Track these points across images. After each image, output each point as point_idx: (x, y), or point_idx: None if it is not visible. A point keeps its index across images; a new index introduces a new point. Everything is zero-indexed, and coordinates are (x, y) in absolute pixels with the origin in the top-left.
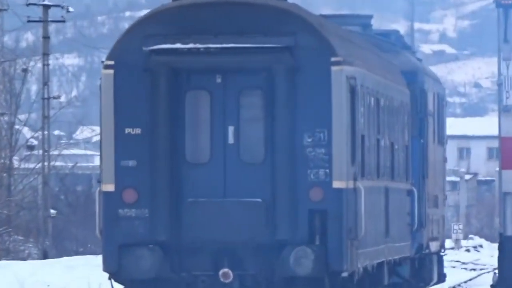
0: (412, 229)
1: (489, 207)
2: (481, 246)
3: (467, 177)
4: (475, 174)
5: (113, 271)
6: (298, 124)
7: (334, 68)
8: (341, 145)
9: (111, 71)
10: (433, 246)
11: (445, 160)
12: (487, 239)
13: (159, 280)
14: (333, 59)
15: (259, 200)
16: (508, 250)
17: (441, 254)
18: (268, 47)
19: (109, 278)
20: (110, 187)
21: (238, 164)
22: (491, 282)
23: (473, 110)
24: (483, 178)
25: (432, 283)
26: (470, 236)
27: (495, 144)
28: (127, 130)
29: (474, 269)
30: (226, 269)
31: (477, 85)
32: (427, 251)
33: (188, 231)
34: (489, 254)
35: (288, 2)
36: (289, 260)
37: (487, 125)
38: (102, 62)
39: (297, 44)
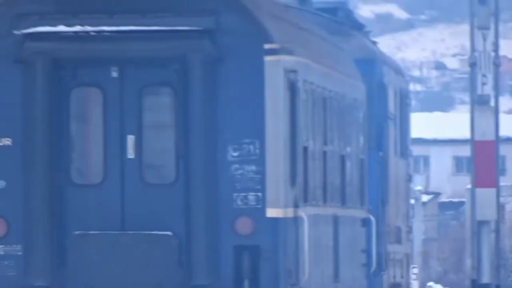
0: (368, 271)
1: (456, 242)
2: None
3: (425, 198)
4: (437, 194)
5: None
6: (221, 133)
7: (268, 58)
8: (277, 160)
9: None
10: None
11: (409, 178)
12: None
13: None
14: (267, 46)
15: (169, 233)
16: None
17: None
18: (181, 31)
19: None
20: None
21: (141, 186)
22: None
23: (433, 102)
24: (447, 200)
25: None
26: (429, 284)
27: (465, 151)
28: None
29: None
30: None
31: (439, 66)
32: None
33: (75, 274)
34: None
35: None
36: None
37: (453, 124)
38: None
39: (219, 27)
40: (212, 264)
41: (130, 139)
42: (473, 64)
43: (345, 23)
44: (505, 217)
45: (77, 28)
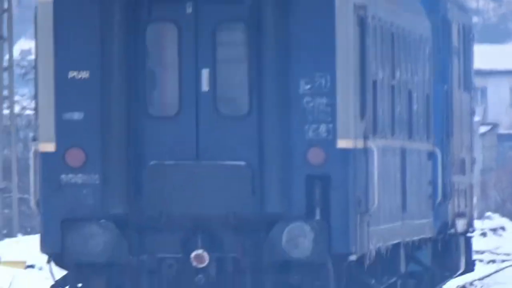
0: (434, 202)
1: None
2: (502, 228)
3: (483, 129)
4: (495, 125)
5: (55, 252)
6: (293, 66)
7: None
8: (348, 93)
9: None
10: (460, 224)
11: (472, 112)
12: (511, 219)
13: (113, 265)
14: None
15: (242, 163)
16: None
17: (469, 235)
18: None
19: (48, 262)
20: (49, 147)
21: (215, 117)
22: None
23: (490, 33)
24: (505, 132)
25: (458, 273)
26: (488, 214)
27: None
28: (71, 74)
29: (493, 261)
30: (200, 251)
31: None
32: (452, 231)
33: (151, 202)
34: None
35: None
36: (282, 239)
37: (511, 55)
38: None
39: None
40: (285, 193)
41: (205, 73)
42: None
43: None
44: None
45: None
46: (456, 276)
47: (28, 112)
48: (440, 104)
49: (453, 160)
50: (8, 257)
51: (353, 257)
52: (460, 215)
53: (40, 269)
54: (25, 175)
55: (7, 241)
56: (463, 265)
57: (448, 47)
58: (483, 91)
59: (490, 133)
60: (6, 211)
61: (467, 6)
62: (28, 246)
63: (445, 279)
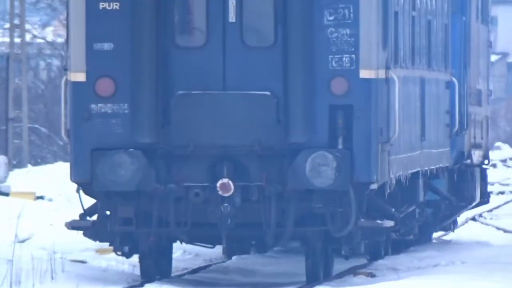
0: (451, 131)
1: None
2: None
3: (493, 58)
4: (505, 55)
5: (84, 180)
6: None
7: None
8: (370, 24)
9: None
10: (476, 155)
11: (489, 44)
12: (482, 162)
13: (141, 193)
14: None
15: (267, 93)
16: None
17: (485, 167)
18: None
19: (77, 190)
20: (80, 76)
21: (241, 48)
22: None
23: None
24: None
25: (474, 204)
26: (497, 144)
27: None
28: (102, 5)
29: (502, 193)
30: (225, 180)
31: None
32: (468, 161)
33: (178, 132)
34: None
35: None
36: (305, 168)
37: None
38: None
39: None
40: (308, 122)
41: (232, 4)
42: None
43: None
44: None
45: None
46: (472, 207)
47: (39, 40)
48: (458, 35)
49: (470, 91)
50: (18, 188)
51: (374, 186)
52: (476, 146)
53: (50, 200)
54: (35, 104)
55: (17, 171)
56: (478, 196)
57: None
58: (493, 20)
59: (499, 62)
60: (16, 141)
61: None
62: (38, 177)
63: (461, 209)
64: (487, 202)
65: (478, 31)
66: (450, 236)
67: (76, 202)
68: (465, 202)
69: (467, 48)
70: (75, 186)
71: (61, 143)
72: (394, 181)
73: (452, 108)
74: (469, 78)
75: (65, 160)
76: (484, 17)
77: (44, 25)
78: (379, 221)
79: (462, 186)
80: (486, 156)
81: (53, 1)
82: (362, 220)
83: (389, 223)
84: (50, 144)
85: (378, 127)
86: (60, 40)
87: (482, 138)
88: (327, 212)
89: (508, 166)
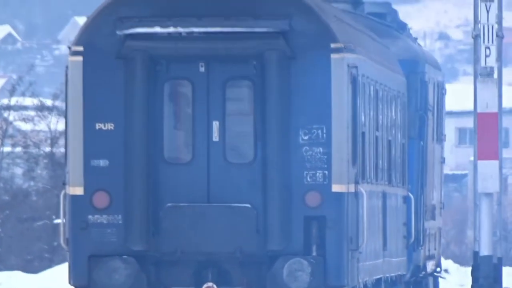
0: (408, 242)
1: (459, 214)
2: (446, 271)
3: None
4: None
5: (82, 284)
6: (293, 119)
7: (334, 56)
8: (341, 143)
9: (80, 58)
10: (429, 265)
11: (443, 160)
12: (455, 261)
13: None
14: (333, 45)
15: (248, 205)
16: (485, 277)
17: (437, 275)
18: (259, 32)
19: None
20: (78, 190)
21: (224, 165)
22: None
23: None
24: (450, 172)
25: None
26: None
27: (469, 123)
28: (98, 126)
29: None
30: (210, 284)
31: (443, 37)
32: (423, 273)
33: (167, 240)
34: (458, 282)
35: None
36: (283, 273)
37: (457, 95)
38: (69, 48)
39: (292, 29)
40: (285, 232)
41: (215, 125)
42: (476, 36)
43: (392, 26)
44: (507, 190)
45: (171, 29)
46: None
47: None
48: (415, 156)
49: (426, 207)
50: None
51: None
52: (430, 257)
53: None
54: None
55: None
56: None
57: (425, 105)
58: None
59: None
60: None
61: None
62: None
63: None
64: None
65: (433, 150)
66: None
67: None
68: None
69: (424, 169)
70: None
71: None
72: (362, 286)
73: (408, 221)
74: (425, 195)
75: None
76: (439, 136)
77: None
78: None
79: None
80: (438, 265)
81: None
82: None
83: None
84: None
85: (349, 236)
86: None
87: (435, 249)
88: None
89: (443, 278)
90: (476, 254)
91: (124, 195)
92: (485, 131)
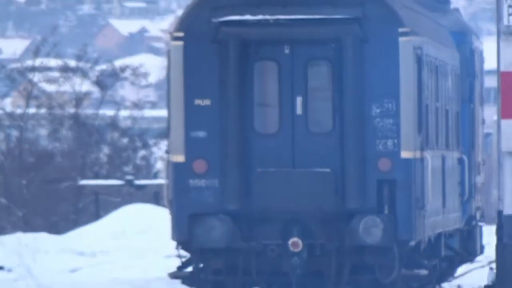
0: (462, 199)
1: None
2: None
3: None
4: None
5: (183, 240)
6: (366, 94)
7: (402, 39)
8: (409, 115)
9: (181, 43)
10: (478, 215)
11: (483, 121)
12: (480, 219)
13: (229, 249)
14: (400, 29)
15: (328, 170)
16: (509, 236)
17: (481, 224)
18: (337, 19)
19: (177, 247)
20: (180, 158)
21: (307, 135)
22: (485, 282)
23: None
24: None
25: (477, 256)
26: None
27: (493, 82)
28: (197, 102)
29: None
30: (295, 238)
31: None
32: (474, 222)
33: (258, 200)
34: (484, 241)
35: None
36: (359, 229)
37: None
38: (170, 33)
39: (365, 15)
40: (360, 193)
41: (299, 100)
42: None
43: (439, 1)
44: None
45: (260, 17)
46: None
47: None
48: (467, 120)
49: (475, 164)
50: None
51: (412, 243)
52: (478, 208)
53: (9, 270)
54: None
55: None
56: (479, 249)
57: (473, 73)
58: None
59: None
60: None
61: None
62: None
63: (468, 261)
64: (483, 252)
65: (478, 113)
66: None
67: (36, 272)
68: (472, 255)
69: (473, 131)
70: (34, 255)
71: (20, 214)
72: (426, 239)
73: (462, 180)
74: (475, 154)
75: (24, 231)
76: (482, 100)
77: (3, 96)
78: (416, 271)
79: (470, 243)
80: (482, 215)
81: (12, 72)
82: (403, 270)
83: (424, 272)
84: (9, 214)
85: (416, 196)
86: (20, 111)
87: (481, 201)
88: (376, 264)
89: None
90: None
91: (220, 162)
92: (508, 90)
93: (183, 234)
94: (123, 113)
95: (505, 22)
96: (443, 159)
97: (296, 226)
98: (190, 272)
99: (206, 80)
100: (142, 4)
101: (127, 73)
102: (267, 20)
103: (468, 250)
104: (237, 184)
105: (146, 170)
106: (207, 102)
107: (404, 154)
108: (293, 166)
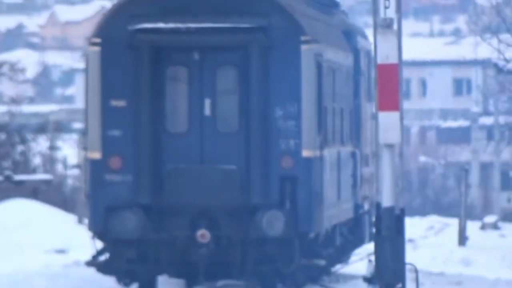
0: (354, 190)
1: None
2: None
3: None
4: None
5: (99, 231)
6: (271, 98)
7: (303, 47)
8: (310, 117)
9: (98, 48)
10: (366, 205)
11: (373, 116)
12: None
13: (141, 240)
14: (303, 38)
15: (234, 167)
16: (387, 228)
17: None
18: (244, 28)
19: (93, 238)
20: (97, 155)
21: (214, 133)
22: (364, 273)
23: None
24: None
25: (366, 242)
26: None
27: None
28: (113, 103)
29: None
30: (203, 230)
31: None
32: (361, 211)
33: (169, 195)
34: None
35: None
36: (262, 222)
37: None
38: (88, 39)
39: (270, 25)
40: (264, 189)
41: (207, 101)
42: None
43: (328, 5)
44: (410, 141)
45: (172, 25)
46: (363, 245)
47: None
48: (355, 115)
49: (362, 156)
50: None
51: (312, 235)
52: (366, 197)
53: None
54: None
55: None
56: (368, 237)
57: (359, 71)
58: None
59: None
60: None
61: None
62: None
63: (357, 246)
64: (372, 240)
65: (365, 108)
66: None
67: None
68: (361, 242)
69: (360, 124)
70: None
71: None
72: (324, 231)
73: (354, 172)
74: (362, 147)
75: None
76: (370, 96)
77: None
78: (315, 260)
79: (358, 229)
80: (372, 204)
81: None
82: (303, 260)
83: (322, 262)
84: None
85: (315, 192)
86: None
87: (369, 191)
88: (278, 254)
89: None
90: (378, 205)
91: (134, 159)
92: (385, 83)
93: (100, 225)
94: (1, 108)
95: (381, 15)
96: (339, 154)
97: (204, 219)
98: (105, 261)
99: (121, 83)
100: (18, 0)
101: (5, 69)
102: (179, 28)
103: (357, 237)
104: (150, 179)
105: (24, 165)
106: (122, 103)
107: (305, 153)
108: (201, 162)
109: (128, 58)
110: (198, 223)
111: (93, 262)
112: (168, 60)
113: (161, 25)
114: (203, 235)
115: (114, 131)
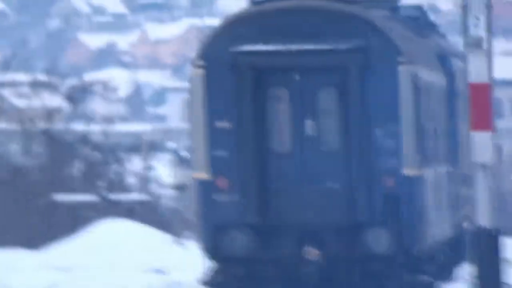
0: (454, 209)
1: None
2: None
3: None
4: None
5: (210, 248)
6: (371, 117)
7: (401, 68)
8: (409, 137)
9: (202, 71)
10: (466, 224)
11: (470, 136)
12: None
13: (250, 258)
14: (400, 59)
15: (338, 185)
16: (484, 247)
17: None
18: (343, 49)
19: (204, 255)
20: (203, 175)
21: (317, 153)
22: None
23: None
24: None
25: (466, 261)
26: None
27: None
28: (217, 124)
29: None
30: (312, 248)
31: (432, 8)
32: (461, 230)
33: (275, 214)
34: None
35: (359, 7)
36: (368, 240)
37: None
38: (193, 62)
39: (368, 46)
40: (368, 207)
41: (309, 122)
42: (465, 7)
43: (425, 27)
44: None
45: (272, 47)
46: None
47: None
48: (452, 135)
49: (459, 176)
50: None
51: (415, 251)
52: (466, 217)
53: None
54: None
55: None
56: (467, 255)
57: (454, 93)
58: None
59: None
60: None
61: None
62: None
63: (457, 265)
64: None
65: (463, 129)
66: None
67: None
68: (460, 259)
69: (458, 146)
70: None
71: None
72: (427, 248)
73: (454, 191)
74: (460, 167)
75: None
76: (465, 116)
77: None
78: (419, 277)
79: (458, 248)
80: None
81: None
82: (408, 276)
83: (426, 278)
84: None
85: (418, 209)
86: None
87: (468, 211)
88: (383, 271)
89: None
90: (475, 225)
91: (240, 179)
92: (477, 101)
93: (210, 243)
94: (94, 127)
95: (471, 32)
96: (438, 173)
97: (310, 237)
98: (217, 279)
99: (225, 104)
100: (110, 19)
101: (98, 88)
102: (280, 50)
103: (458, 256)
104: (256, 199)
105: (119, 185)
106: (226, 124)
107: (407, 172)
108: (306, 182)
109: (230, 79)
110: (305, 241)
111: (206, 280)
112: (269, 81)
113: (261, 47)
114: (312, 252)
115: (219, 151)
